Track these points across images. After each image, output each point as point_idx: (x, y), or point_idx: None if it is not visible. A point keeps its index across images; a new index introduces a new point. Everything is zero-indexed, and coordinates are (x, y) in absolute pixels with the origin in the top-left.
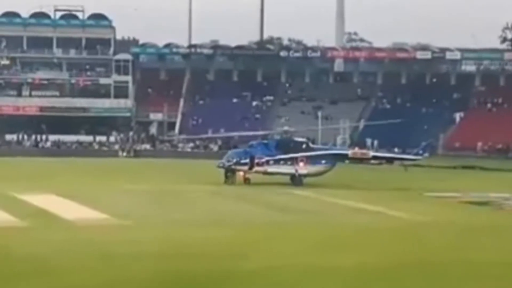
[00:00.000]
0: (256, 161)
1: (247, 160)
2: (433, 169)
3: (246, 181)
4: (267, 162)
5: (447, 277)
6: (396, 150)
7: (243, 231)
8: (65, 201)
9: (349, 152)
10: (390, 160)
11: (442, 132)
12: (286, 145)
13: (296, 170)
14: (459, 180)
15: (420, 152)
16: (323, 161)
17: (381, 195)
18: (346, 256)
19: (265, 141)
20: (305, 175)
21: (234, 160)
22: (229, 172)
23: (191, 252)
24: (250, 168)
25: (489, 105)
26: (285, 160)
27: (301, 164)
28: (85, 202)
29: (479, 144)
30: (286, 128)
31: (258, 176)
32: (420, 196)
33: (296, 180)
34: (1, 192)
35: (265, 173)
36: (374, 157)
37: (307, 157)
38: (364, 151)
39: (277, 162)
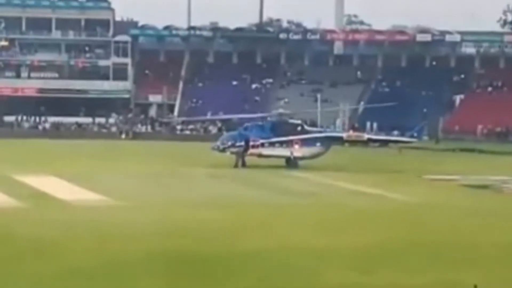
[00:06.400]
0: (251, 143)
1: (242, 143)
2: (431, 151)
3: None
4: (262, 144)
5: (448, 258)
6: (395, 133)
7: (242, 212)
8: (63, 183)
9: (344, 135)
10: (384, 143)
11: (441, 115)
12: (281, 128)
13: (291, 153)
14: (458, 163)
15: (415, 134)
16: (318, 144)
17: (380, 177)
18: (347, 238)
19: (260, 124)
20: (300, 158)
21: (229, 143)
22: (239, 156)
23: (186, 233)
24: (245, 151)
25: (489, 88)
26: (280, 142)
27: (296, 146)
28: (83, 183)
29: (479, 127)
30: (281, 110)
31: (253, 159)
32: (418, 179)
33: (291, 163)
34: None
35: (260, 155)
36: (369, 140)
37: (302, 140)
38: (358, 133)
39: (272, 144)
